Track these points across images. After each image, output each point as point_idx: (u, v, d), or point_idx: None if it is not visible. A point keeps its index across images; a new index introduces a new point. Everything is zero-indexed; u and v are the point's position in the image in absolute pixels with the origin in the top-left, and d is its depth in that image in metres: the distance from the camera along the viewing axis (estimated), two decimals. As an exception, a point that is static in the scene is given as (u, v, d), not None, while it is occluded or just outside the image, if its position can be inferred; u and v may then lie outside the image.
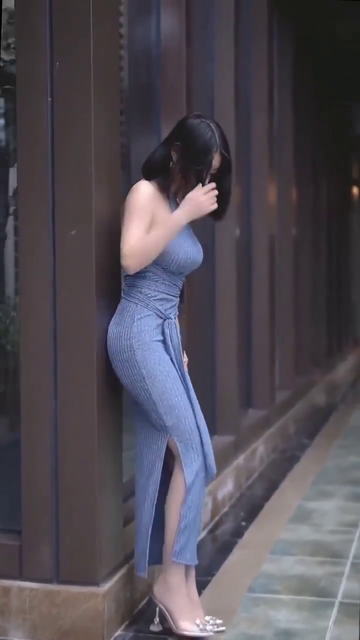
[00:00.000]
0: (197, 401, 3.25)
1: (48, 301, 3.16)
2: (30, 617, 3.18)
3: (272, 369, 6.52)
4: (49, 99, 3.14)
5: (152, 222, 3.10)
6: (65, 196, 3.14)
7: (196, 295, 5.29)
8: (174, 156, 3.13)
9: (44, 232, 3.15)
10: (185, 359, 3.36)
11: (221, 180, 3.18)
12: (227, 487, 4.98)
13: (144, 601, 3.52)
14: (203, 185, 3.10)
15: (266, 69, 6.36)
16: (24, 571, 3.22)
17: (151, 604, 3.44)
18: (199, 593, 3.60)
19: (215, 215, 3.24)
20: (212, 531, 4.51)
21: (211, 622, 3.24)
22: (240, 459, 5.38)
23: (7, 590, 3.21)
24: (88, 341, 3.13)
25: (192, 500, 3.15)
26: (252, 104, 6.29)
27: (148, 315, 3.12)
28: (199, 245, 3.29)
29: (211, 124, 3.14)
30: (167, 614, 3.22)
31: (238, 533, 4.49)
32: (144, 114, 4.33)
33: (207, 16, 5.24)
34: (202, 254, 3.28)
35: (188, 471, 3.14)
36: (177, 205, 3.16)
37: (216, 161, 3.13)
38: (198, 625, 3.19)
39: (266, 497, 5.18)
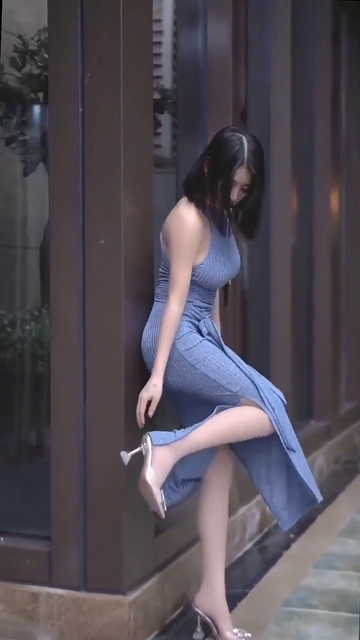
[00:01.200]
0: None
1: (77, 309, 3.18)
2: (58, 623, 3.20)
3: (335, 379, 6.42)
4: (80, 109, 3.17)
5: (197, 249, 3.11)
6: (95, 206, 3.16)
7: (251, 307, 5.27)
8: (206, 170, 3.11)
9: (74, 241, 3.18)
10: None
11: (248, 197, 3.11)
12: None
13: (178, 611, 3.50)
14: (228, 201, 3.07)
15: (330, 73, 6.28)
16: (53, 577, 3.25)
17: (185, 614, 3.42)
18: (235, 605, 3.58)
19: (245, 234, 3.22)
20: (258, 543, 4.46)
21: (239, 634, 3.21)
22: (296, 470, 5.30)
23: (36, 596, 3.24)
24: (116, 348, 3.14)
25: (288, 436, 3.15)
26: (315, 109, 6.22)
27: (182, 314, 3.11)
28: (236, 258, 3.25)
29: (244, 138, 3.08)
30: (211, 623, 3.23)
31: (285, 545, 4.42)
32: (192, 124, 4.32)
33: (263, 22, 5.21)
34: (238, 265, 3.26)
35: (269, 412, 3.11)
36: (216, 219, 3.15)
37: (243, 176, 3.06)
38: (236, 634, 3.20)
39: (321, 509, 5.09)
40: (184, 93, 4.31)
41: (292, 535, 4.58)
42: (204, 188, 3.10)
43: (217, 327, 3.38)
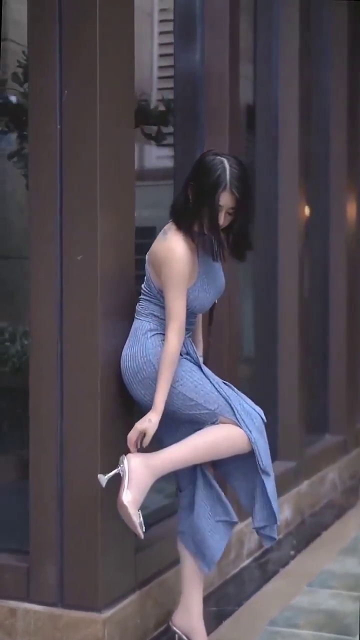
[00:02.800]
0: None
1: (55, 325, 3.18)
2: (34, 639, 3.20)
3: (351, 392, 6.33)
4: (59, 126, 3.17)
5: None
6: (73, 222, 3.16)
7: (258, 318, 5.23)
8: (190, 196, 3.08)
9: (52, 257, 3.18)
10: None
11: (235, 220, 3.08)
12: (283, 514, 4.85)
13: (161, 629, 3.48)
14: (217, 226, 3.03)
15: (347, 82, 6.21)
16: (30, 593, 3.25)
17: (168, 632, 3.40)
18: (221, 622, 3.55)
19: (236, 257, 3.19)
20: (257, 559, 4.42)
21: (215, 654, 3.18)
22: (304, 486, 5.25)
23: (14, 611, 3.24)
24: (93, 366, 3.13)
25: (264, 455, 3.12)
26: (330, 119, 6.16)
27: (162, 333, 3.10)
28: (220, 282, 3.23)
29: (225, 162, 3.03)
30: None
31: (284, 562, 4.37)
32: (190, 137, 4.31)
33: (271, 32, 5.18)
34: (222, 289, 3.25)
35: (250, 426, 3.10)
36: (205, 244, 3.13)
37: (227, 200, 3.01)
38: None
39: (328, 525, 5.03)
40: (182, 106, 4.30)
41: (292, 552, 4.53)
42: (191, 214, 3.07)
43: (200, 346, 3.38)
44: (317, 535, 4.82)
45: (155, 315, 3.13)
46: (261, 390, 5.16)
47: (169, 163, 4.53)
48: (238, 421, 3.08)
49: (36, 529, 3.24)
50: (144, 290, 3.19)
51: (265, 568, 4.30)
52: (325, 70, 6.19)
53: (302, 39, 5.26)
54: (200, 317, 3.35)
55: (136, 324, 3.17)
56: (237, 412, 3.09)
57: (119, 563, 3.26)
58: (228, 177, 3.01)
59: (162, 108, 4.67)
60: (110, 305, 3.18)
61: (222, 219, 3.05)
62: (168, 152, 4.61)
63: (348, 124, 6.23)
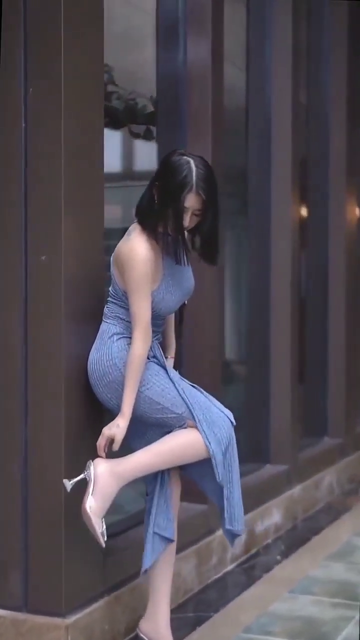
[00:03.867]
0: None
1: (20, 327, 3.15)
2: (-1, 644, 3.16)
3: (350, 395, 6.25)
4: (23, 124, 3.14)
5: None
6: (37, 221, 3.12)
7: (251, 320, 5.17)
8: (155, 196, 3.02)
9: (17, 258, 3.14)
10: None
11: (202, 222, 3.02)
12: (272, 518, 4.79)
13: (131, 635, 3.42)
14: (181, 228, 2.98)
15: (346, 83, 6.13)
16: (-5, 597, 3.22)
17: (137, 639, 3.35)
18: (194, 629, 3.50)
19: (206, 261, 3.13)
20: (241, 564, 4.35)
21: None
22: (297, 489, 5.17)
23: (-21, 615, 3.21)
24: (56, 369, 3.09)
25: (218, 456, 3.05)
26: (329, 119, 6.09)
27: (127, 337, 3.05)
28: (188, 284, 3.16)
29: (192, 162, 2.97)
30: None
31: (268, 567, 4.30)
32: (172, 140, 4.26)
33: (264, 30, 5.12)
34: (190, 291, 3.18)
35: (210, 437, 3.04)
36: (170, 246, 3.05)
37: (193, 201, 2.96)
38: None
39: (320, 530, 4.96)
40: (164, 108, 4.25)
41: (278, 557, 4.46)
42: (155, 215, 3.01)
43: (172, 347, 3.32)
44: (307, 540, 4.74)
45: (121, 318, 3.08)
46: (253, 392, 5.11)
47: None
48: (199, 431, 3.03)
49: (1, 537, 3.20)
50: (110, 293, 3.14)
51: (248, 573, 4.23)
52: (325, 70, 6.11)
53: (296, 37, 5.18)
54: (170, 318, 3.30)
55: (103, 326, 3.12)
56: (199, 422, 3.03)
57: (85, 568, 3.21)
58: (194, 178, 2.96)
59: (150, 108, 4.62)
60: (75, 308, 3.13)
61: (188, 221, 2.99)
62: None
63: (347, 125, 6.15)
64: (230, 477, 3.10)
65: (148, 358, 3.07)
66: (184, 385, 3.11)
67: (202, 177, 2.97)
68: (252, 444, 5.08)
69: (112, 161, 4.08)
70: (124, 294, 3.06)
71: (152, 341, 3.09)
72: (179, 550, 3.48)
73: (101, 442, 3.01)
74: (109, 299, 3.15)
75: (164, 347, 3.25)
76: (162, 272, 3.07)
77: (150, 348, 3.08)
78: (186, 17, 4.19)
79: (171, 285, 3.09)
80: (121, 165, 4.54)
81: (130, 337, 3.04)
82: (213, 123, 4.17)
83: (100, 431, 3.05)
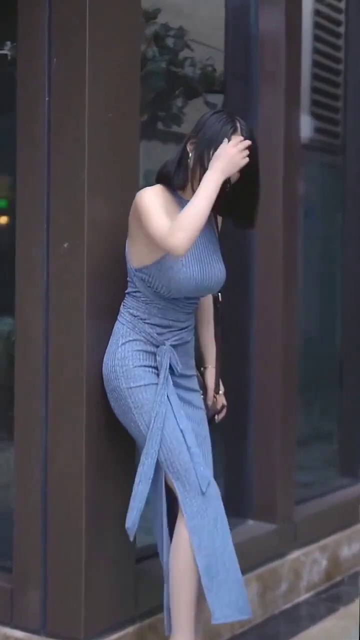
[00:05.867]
0: (207, 440, 2.79)
1: (41, 323, 2.86)
2: (14, 668, 2.88)
3: None
4: (47, 98, 2.86)
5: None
6: (59, 206, 2.83)
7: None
8: (190, 151, 2.67)
9: (38, 246, 2.87)
10: (219, 392, 2.91)
11: (247, 180, 2.68)
12: (351, 548, 4.29)
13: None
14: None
15: None
16: (14, 617, 2.93)
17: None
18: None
19: (243, 223, 2.78)
20: (319, 594, 3.90)
21: None
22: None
23: (-4, 635, 2.94)
24: (77, 369, 2.79)
25: (203, 545, 2.65)
26: None
27: (134, 340, 2.70)
28: (216, 270, 2.74)
29: (232, 115, 2.68)
30: None
31: (350, 599, 3.83)
32: (240, 105, 3.89)
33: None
34: (221, 275, 2.76)
35: (188, 512, 2.65)
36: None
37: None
38: None
39: None
40: (232, 71, 3.88)
41: (363, 589, 3.98)
42: (185, 171, 2.66)
43: (212, 353, 2.90)
44: None
45: (131, 314, 2.72)
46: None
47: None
48: (180, 494, 2.65)
49: (20, 548, 2.92)
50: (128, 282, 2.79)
51: (325, 605, 3.78)
52: None
53: None
54: (205, 316, 2.91)
55: (115, 326, 2.76)
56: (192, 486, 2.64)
57: (111, 589, 2.88)
58: (239, 124, 2.66)
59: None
60: (99, 302, 2.81)
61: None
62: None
63: None
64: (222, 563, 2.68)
65: (157, 368, 2.68)
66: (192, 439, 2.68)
67: (246, 127, 2.67)
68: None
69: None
70: (136, 272, 2.69)
71: (165, 345, 2.68)
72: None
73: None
74: (126, 291, 2.79)
75: (200, 355, 2.87)
76: None
77: (164, 354, 2.67)
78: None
79: (190, 260, 2.67)
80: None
81: (138, 339, 2.68)
82: (287, 87, 3.77)
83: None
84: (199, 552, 2.64)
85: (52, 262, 2.84)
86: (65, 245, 2.81)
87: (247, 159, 2.61)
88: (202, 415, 2.80)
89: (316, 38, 4.76)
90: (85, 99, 2.78)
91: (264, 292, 3.78)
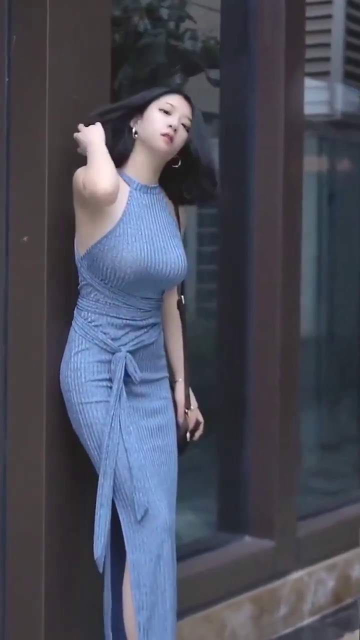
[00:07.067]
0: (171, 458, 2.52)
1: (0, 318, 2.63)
2: None
3: None
4: (7, 79, 2.63)
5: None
6: (19, 196, 2.60)
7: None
8: (132, 124, 2.50)
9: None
10: (191, 407, 2.63)
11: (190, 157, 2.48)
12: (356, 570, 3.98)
13: None
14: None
15: None
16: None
17: None
18: None
19: (204, 197, 2.57)
20: (325, 617, 3.61)
21: None
22: None
23: None
24: (37, 372, 2.55)
25: (141, 580, 2.39)
26: None
27: (87, 349, 2.44)
28: (173, 256, 2.47)
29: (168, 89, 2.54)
30: None
31: (356, 625, 3.53)
32: (239, 75, 3.64)
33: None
34: (180, 260, 2.48)
35: (130, 544, 2.39)
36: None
37: (180, 104, 2.46)
38: None
39: None
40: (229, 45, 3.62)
41: (373, 613, 3.68)
42: (126, 140, 2.49)
43: (180, 368, 2.61)
44: None
45: (81, 315, 2.47)
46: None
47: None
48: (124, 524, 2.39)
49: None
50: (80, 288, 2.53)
51: (329, 630, 3.50)
52: None
53: None
54: (172, 326, 2.62)
55: (70, 331, 2.50)
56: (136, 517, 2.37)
57: (77, 622, 2.63)
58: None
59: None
60: (60, 297, 2.56)
61: (176, 122, 2.43)
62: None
63: None
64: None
65: (112, 379, 2.41)
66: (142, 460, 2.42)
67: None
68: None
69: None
70: (81, 261, 2.45)
71: (121, 351, 2.41)
72: (229, 595, 2.97)
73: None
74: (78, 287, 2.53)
75: (170, 368, 2.60)
76: (124, 208, 2.43)
77: (119, 361, 2.40)
78: None
79: (137, 239, 2.41)
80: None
81: (90, 347, 2.43)
82: (287, 61, 3.50)
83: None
84: (137, 590, 2.37)
85: (11, 255, 2.61)
86: (25, 239, 2.58)
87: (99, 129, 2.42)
88: (169, 428, 2.53)
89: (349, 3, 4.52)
90: (46, 79, 2.54)
91: (261, 287, 3.54)
